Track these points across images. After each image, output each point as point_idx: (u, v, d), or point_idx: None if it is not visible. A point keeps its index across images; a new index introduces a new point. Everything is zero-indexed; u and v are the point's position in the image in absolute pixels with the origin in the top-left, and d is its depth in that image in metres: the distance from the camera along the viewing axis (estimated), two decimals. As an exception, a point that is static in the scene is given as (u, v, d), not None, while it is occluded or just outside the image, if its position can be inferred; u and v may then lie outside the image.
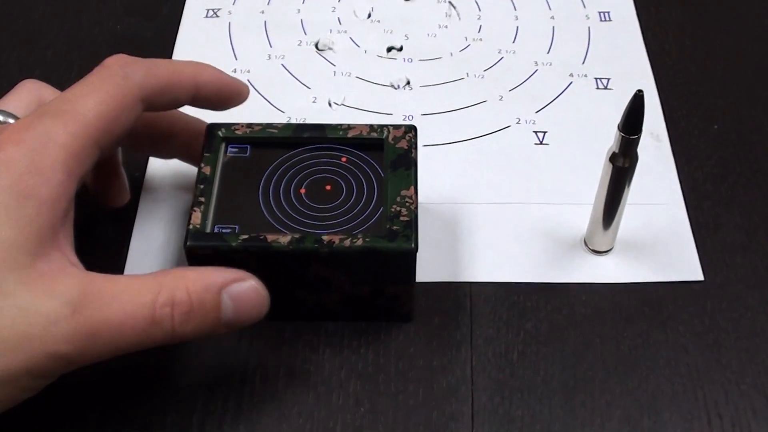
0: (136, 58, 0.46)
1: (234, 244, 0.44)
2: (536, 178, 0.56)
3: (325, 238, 0.45)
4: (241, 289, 0.42)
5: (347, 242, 0.44)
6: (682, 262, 0.52)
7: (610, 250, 0.53)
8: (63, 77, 0.62)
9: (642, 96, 0.43)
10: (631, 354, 0.49)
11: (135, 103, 0.44)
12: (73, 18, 0.67)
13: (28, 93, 0.47)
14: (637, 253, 0.53)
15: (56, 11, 0.68)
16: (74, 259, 0.41)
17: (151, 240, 0.53)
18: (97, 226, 0.54)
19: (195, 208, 0.46)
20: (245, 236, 0.44)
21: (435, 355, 0.49)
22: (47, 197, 0.39)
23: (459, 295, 0.51)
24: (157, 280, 0.40)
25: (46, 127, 0.41)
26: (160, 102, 0.46)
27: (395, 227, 0.45)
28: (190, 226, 0.45)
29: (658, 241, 0.53)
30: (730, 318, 0.50)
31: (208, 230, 0.45)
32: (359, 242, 0.44)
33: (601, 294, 0.51)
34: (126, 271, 0.52)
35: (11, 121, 0.44)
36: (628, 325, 0.50)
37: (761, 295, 0.51)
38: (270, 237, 0.44)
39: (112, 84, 0.43)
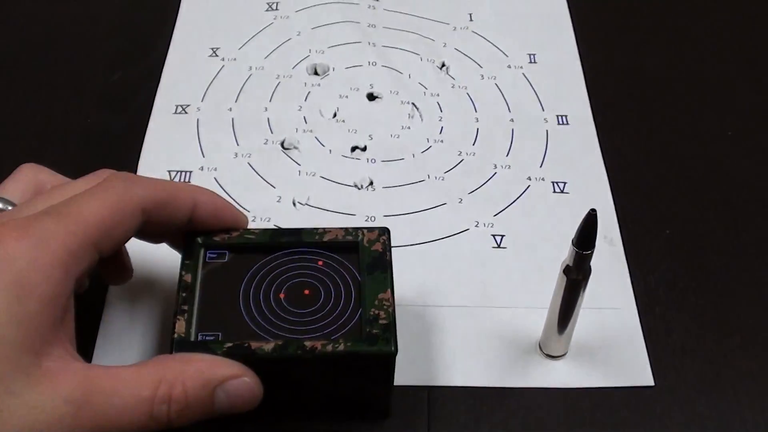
0: (139, 176, 0.49)
1: (219, 352, 0.45)
2: (493, 282, 0.58)
3: (308, 344, 0.46)
4: (236, 386, 0.44)
5: (329, 347, 0.45)
6: (633, 367, 0.54)
7: (564, 354, 0.54)
8: (32, 169, 0.63)
9: (595, 215, 0.44)
10: (584, 459, 0.50)
11: (135, 213, 0.46)
12: (44, 111, 0.68)
13: (26, 178, 0.49)
14: (590, 357, 0.54)
15: (27, 103, 0.69)
16: (75, 353, 0.42)
17: (121, 322, 0.55)
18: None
19: (179, 317, 0.47)
20: (230, 344, 0.46)
21: (393, 458, 0.50)
22: (48, 294, 0.41)
23: (416, 399, 0.52)
24: (156, 375, 0.42)
25: (47, 226, 0.42)
26: (159, 216, 0.47)
27: (374, 330, 0.46)
28: (176, 335, 0.46)
29: (611, 345, 0.55)
30: (680, 422, 0.52)
31: (193, 338, 0.46)
32: (341, 347, 0.46)
33: (555, 398, 0.52)
34: (96, 347, 0.54)
35: (9, 207, 0.46)
36: (580, 430, 0.51)
37: (710, 400, 0.53)
38: (254, 344, 0.46)
39: (114, 193, 0.45)
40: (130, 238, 0.47)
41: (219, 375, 0.43)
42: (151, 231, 0.51)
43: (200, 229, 0.50)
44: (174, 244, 0.53)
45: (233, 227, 0.50)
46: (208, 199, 0.49)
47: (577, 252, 0.46)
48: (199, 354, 0.44)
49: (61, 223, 0.43)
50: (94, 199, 0.45)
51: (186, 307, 0.47)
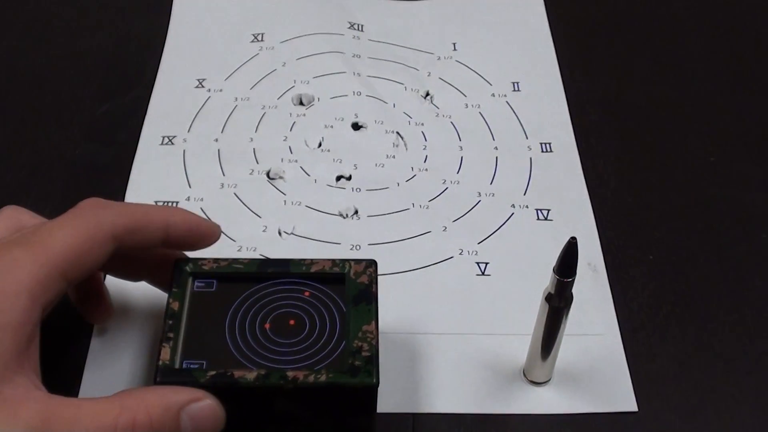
0: (109, 201, 0.48)
1: (202, 380, 0.46)
2: (477, 309, 0.58)
3: (290, 374, 0.46)
4: (199, 408, 0.44)
5: (311, 378, 0.46)
6: (617, 393, 0.54)
7: (548, 381, 0.54)
8: (20, 200, 0.62)
9: (575, 243, 0.45)
10: (568, 485, 0.50)
11: (105, 240, 0.46)
12: (31, 142, 0.68)
13: (8, 219, 0.49)
14: (574, 383, 0.54)
15: (14, 135, 0.69)
16: (38, 382, 0.43)
17: (109, 351, 0.55)
18: (54, 341, 0.55)
19: (164, 344, 0.47)
20: (213, 372, 0.46)
21: (377, 487, 0.50)
22: (11, 322, 0.41)
23: (401, 426, 0.52)
24: (117, 403, 0.42)
25: (13, 255, 0.43)
26: (132, 241, 0.48)
27: (357, 362, 0.47)
28: (160, 362, 0.46)
29: (595, 371, 0.55)
30: (664, 449, 0.52)
31: (177, 366, 0.47)
32: (323, 378, 0.46)
33: (539, 425, 0.53)
34: (82, 386, 0.54)
35: None
36: (565, 456, 0.51)
37: (694, 425, 0.53)
38: (237, 373, 0.46)
39: (83, 220, 0.46)
40: (100, 266, 0.47)
41: (181, 398, 0.43)
42: (126, 262, 0.51)
43: (176, 247, 0.50)
44: (152, 281, 0.54)
45: (208, 241, 0.51)
46: (180, 219, 0.50)
47: (558, 279, 0.47)
48: (158, 386, 0.45)
49: (28, 251, 0.43)
50: (62, 227, 0.45)
51: (171, 335, 0.47)
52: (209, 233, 0.51)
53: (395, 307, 0.58)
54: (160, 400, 0.43)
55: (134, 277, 0.54)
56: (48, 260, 0.43)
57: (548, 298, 0.49)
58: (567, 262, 0.46)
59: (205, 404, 0.44)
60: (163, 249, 0.51)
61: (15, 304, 0.41)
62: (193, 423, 0.43)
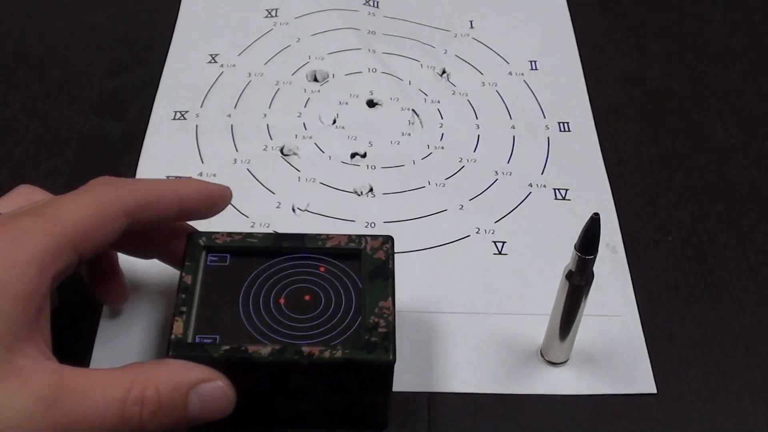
0: (120, 179, 0.48)
1: (215, 355, 0.45)
2: (494, 289, 0.57)
3: (305, 349, 0.45)
4: (209, 389, 0.43)
5: (327, 354, 0.45)
6: (635, 375, 0.53)
7: (566, 361, 0.53)
8: (30, 176, 0.63)
9: (598, 219, 0.44)
10: (586, 467, 0.49)
11: (117, 216, 0.45)
12: (42, 117, 0.68)
13: (21, 197, 0.49)
14: (592, 364, 0.54)
15: (25, 110, 0.68)
16: (49, 353, 0.42)
17: (120, 326, 0.55)
18: (67, 312, 0.54)
19: (177, 318, 0.46)
20: (226, 347, 0.45)
21: (392, 466, 0.49)
22: (21, 293, 0.40)
23: (417, 406, 0.51)
24: (128, 377, 0.41)
25: (23, 224, 0.42)
26: (145, 217, 0.47)
27: (373, 339, 0.46)
28: (173, 336, 0.46)
29: (613, 352, 0.54)
30: (683, 431, 0.51)
31: (190, 340, 0.46)
32: (338, 354, 0.45)
33: (556, 406, 0.52)
34: (92, 363, 0.53)
35: None
36: (583, 437, 0.51)
37: (713, 408, 0.52)
38: (251, 348, 0.45)
39: (95, 195, 0.45)
40: (112, 242, 0.46)
41: (192, 378, 0.43)
42: (138, 238, 0.51)
43: (191, 218, 0.50)
44: (164, 258, 0.53)
45: (222, 205, 0.50)
46: (192, 190, 0.49)
47: (579, 257, 0.46)
48: (172, 359, 0.44)
49: (38, 222, 0.42)
50: (74, 200, 0.44)
51: (184, 309, 0.47)
52: (221, 198, 0.50)
53: (411, 285, 0.57)
54: (170, 377, 0.42)
55: (146, 254, 0.53)
56: (58, 231, 0.43)
57: (569, 275, 0.48)
58: (589, 239, 0.45)
59: (215, 385, 0.43)
60: (178, 222, 0.50)
61: (24, 274, 0.41)
62: (201, 403, 0.43)
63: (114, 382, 0.41)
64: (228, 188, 0.51)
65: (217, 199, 0.50)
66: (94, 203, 0.45)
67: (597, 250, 0.45)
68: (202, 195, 0.49)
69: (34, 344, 0.41)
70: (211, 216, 0.50)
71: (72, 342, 0.53)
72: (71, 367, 0.41)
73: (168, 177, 0.63)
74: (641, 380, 0.53)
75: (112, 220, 0.45)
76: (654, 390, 0.53)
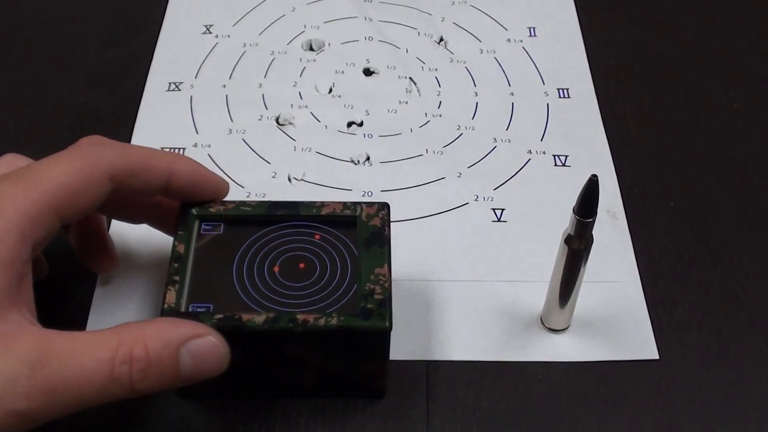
0: (111, 140, 0.47)
1: (209, 324, 0.44)
2: (493, 256, 0.56)
3: (300, 317, 0.44)
4: (200, 345, 0.42)
5: (322, 321, 0.44)
6: (637, 341, 0.53)
7: (566, 328, 0.53)
8: (24, 148, 0.61)
9: (596, 181, 0.43)
10: (587, 434, 0.49)
11: (103, 180, 0.44)
12: (35, 89, 0.67)
13: (5, 164, 0.48)
14: (593, 331, 0.53)
15: (18, 82, 0.68)
16: (33, 319, 0.41)
17: (114, 297, 0.54)
18: (60, 285, 0.54)
19: (169, 287, 0.46)
20: (220, 316, 0.44)
21: (391, 435, 0.48)
22: (1, 260, 0.40)
23: (415, 374, 0.51)
24: (115, 336, 0.40)
25: (3, 190, 0.41)
26: (131, 185, 0.46)
27: (369, 305, 0.45)
28: (165, 306, 0.45)
29: (614, 319, 0.54)
30: (686, 397, 0.50)
31: (183, 309, 0.45)
32: (334, 321, 0.44)
33: (557, 372, 0.51)
34: (88, 327, 0.52)
35: None
36: (584, 404, 0.50)
37: (716, 374, 0.51)
38: (245, 316, 0.44)
39: (80, 158, 0.44)
40: (97, 206, 0.45)
41: (181, 333, 0.41)
42: (126, 203, 0.50)
43: (177, 197, 0.49)
44: (155, 224, 0.52)
45: (213, 196, 0.49)
46: (185, 168, 0.48)
47: (578, 220, 0.45)
48: (162, 318, 0.43)
49: (19, 186, 0.42)
50: (57, 164, 0.43)
51: (177, 278, 0.46)
52: (213, 187, 0.49)
53: (409, 253, 0.56)
54: (159, 333, 0.41)
55: (135, 219, 0.53)
56: (40, 196, 0.42)
57: (568, 240, 0.47)
58: (587, 202, 0.44)
59: (206, 341, 0.42)
60: (163, 197, 0.49)
61: (4, 240, 0.40)
62: (193, 360, 0.41)
63: (101, 343, 0.40)
64: (225, 183, 0.50)
65: (207, 186, 0.49)
66: (79, 166, 0.43)
67: (596, 213, 0.45)
68: (194, 176, 0.48)
69: (17, 310, 0.40)
70: (198, 200, 0.49)
71: (67, 313, 0.53)
72: (57, 331, 0.40)
73: (162, 149, 0.62)
74: (643, 346, 0.52)
75: (97, 183, 0.44)
76: (656, 356, 0.52)
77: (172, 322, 0.42)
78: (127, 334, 0.40)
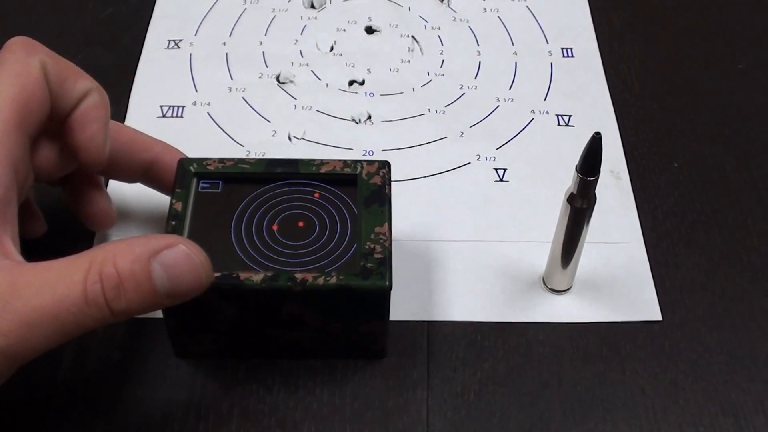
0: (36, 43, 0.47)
1: None
2: (496, 216, 0.56)
3: (298, 276, 0.44)
4: (172, 255, 0.40)
5: (321, 280, 0.44)
6: (640, 302, 0.52)
7: (568, 289, 0.52)
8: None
9: (600, 138, 0.42)
10: (589, 395, 0.48)
11: (42, 81, 0.44)
12: (33, 47, 0.66)
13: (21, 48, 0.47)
14: (596, 292, 0.52)
15: (15, 40, 0.67)
16: (12, 249, 0.40)
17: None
18: (57, 242, 0.53)
19: None
20: (217, 274, 0.44)
21: (391, 395, 0.48)
22: None
23: (416, 334, 0.50)
24: (87, 258, 0.39)
25: None
26: (120, 164, 0.48)
27: (369, 264, 0.45)
28: None
29: (617, 280, 0.53)
30: (688, 359, 0.50)
31: None
32: (333, 280, 0.44)
33: (559, 333, 0.51)
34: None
35: None
36: (586, 365, 0.50)
37: (719, 335, 0.51)
38: (243, 275, 0.44)
39: (14, 65, 0.44)
40: (49, 109, 0.45)
41: (152, 245, 0.39)
42: (120, 163, 0.50)
43: (155, 185, 0.50)
44: (150, 184, 0.52)
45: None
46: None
47: (581, 178, 0.45)
48: (133, 237, 0.41)
49: None
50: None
51: None
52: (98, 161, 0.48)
53: (410, 213, 0.56)
54: (129, 249, 0.39)
55: (128, 177, 0.52)
56: (5, 116, 0.42)
57: (570, 198, 0.46)
58: (590, 159, 0.44)
59: (178, 249, 0.40)
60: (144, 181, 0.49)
61: None
62: (167, 272, 0.39)
63: (73, 266, 0.39)
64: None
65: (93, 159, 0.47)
66: (18, 74, 0.43)
67: (599, 172, 0.44)
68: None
69: None
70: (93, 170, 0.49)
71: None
72: (29, 263, 0.39)
73: (161, 107, 0.61)
74: (646, 307, 0.52)
75: (40, 87, 0.44)
76: (659, 317, 0.52)
77: (143, 237, 0.40)
78: (99, 253, 0.39)
